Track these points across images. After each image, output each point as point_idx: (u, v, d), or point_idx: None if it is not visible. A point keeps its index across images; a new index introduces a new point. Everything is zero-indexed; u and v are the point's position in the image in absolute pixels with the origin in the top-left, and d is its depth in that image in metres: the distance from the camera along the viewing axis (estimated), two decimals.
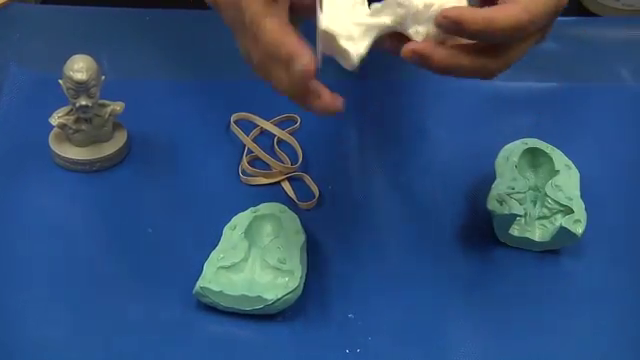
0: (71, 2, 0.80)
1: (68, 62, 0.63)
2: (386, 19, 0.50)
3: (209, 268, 0.58)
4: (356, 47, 0.49)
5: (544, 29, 0.51)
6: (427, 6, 0.48)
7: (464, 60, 0.48)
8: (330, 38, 0.49)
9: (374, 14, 0.50)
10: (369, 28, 0.50)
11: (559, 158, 0.65)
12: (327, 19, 0.49)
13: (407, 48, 0.48)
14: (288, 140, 0.70)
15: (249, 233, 0.61)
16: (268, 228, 0.62)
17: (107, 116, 0.66)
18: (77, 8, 0.79)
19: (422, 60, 0.48)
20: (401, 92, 0.74)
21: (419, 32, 0.49)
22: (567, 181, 0.64)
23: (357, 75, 0.74)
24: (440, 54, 0.48)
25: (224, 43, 0.77)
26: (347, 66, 0.50)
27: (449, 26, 0.46)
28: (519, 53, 0.50)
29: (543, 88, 0.75)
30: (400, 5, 0.49)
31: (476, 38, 0.48)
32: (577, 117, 0.73)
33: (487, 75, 0.51)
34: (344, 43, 0.49)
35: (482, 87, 0.75)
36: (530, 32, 0.49)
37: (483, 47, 0.49)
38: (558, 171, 0.64)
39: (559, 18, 0.79)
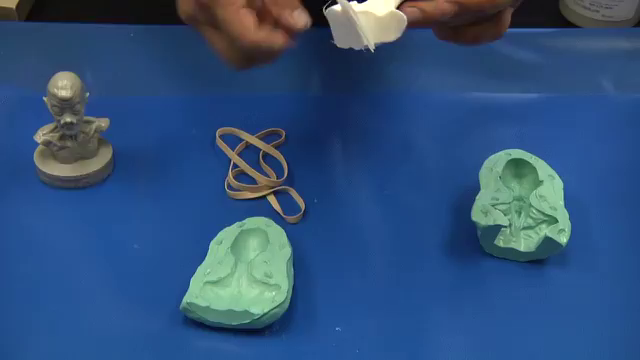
0: (55, 19, 0.80)
1: (52, 79, 0.63)
2: None
3: (195, 283, 0.58)
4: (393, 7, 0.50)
5: None
6: None
7: None
8: (370, 18, 0.49)
9: None
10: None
11: (543, 168, 0.66)
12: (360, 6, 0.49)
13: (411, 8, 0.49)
14: (273, 154, 0.70)
15: (235, 247, 0.61)
16: (254, 242, 0.62)
17: (92, 133, 0.66)
18: (61, 25, 0.79)
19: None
20: (385, 105, 0.75)
21: None
22: (551, 191, 0.64)
23: (341, 89, 0.75)
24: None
25: (208, 58, 0.78)
26: (397, 34, 0.50)
27: None
28: None
29: (525, 99, 0.76)
30: None
31: None
32: (560, 127, 0.73)
33: (493, 9, 0.52)
34: (382, 11, 0.49)
35: (465, 99, 0.76)
36: None
37: None
38: (542, 181, 0.65)
39: (540, 29, 0.80)
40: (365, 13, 0.49)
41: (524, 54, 0.78)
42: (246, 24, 0.51)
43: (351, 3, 0.49)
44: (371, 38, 0.49)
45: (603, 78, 0.77)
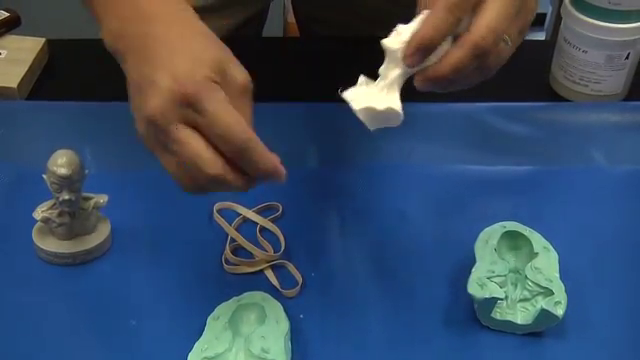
0: (55, 97, 0.82)
1: (52, 157, 0.64)
2: (396, 71, 0.54)
3: (193, 359, 0.58)
4: (393, 102, 0.54)
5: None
6: None
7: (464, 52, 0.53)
8: (370, 111, 0.54)
9: (384, 76, 0.55)
10: (389, 86, 0.55)
11: (537, 240, 0.66)
12: (356, 103, 0.55)
13: (419, 80, 0.54)
14: (271, 228, 0.71)
15: (233, 322, 0.61)
16: (252, 317, 0.62)
17: (90, 209, 0.67)
18: (60, 103, 0.80)
19: (437, 79, 0.54)
20: (380, 178, 0.76)
21: (443, 49, 0.54)
22: (546, 263, 0.64)
23: (337, 162, 0.76)
24: (446, 61, 0.53)
25: None
26: (396, 123, 0.55)
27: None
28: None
29: (519, 171, 0.77)
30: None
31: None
32: (553, 199, 0.74)
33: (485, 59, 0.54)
34: (381, 106, 0.54)
35: (459, 171, 0.76)
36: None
37: None
38: (537, 253, 0.65)
39: (532, 104, 0.82)
40: (365, 109, 0.54)
41: (516, 127, 0.80)
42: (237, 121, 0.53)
43: (357, 90, 0.55)
44: (371, 126, 0.55)
45: (594, 150, 0.78)
